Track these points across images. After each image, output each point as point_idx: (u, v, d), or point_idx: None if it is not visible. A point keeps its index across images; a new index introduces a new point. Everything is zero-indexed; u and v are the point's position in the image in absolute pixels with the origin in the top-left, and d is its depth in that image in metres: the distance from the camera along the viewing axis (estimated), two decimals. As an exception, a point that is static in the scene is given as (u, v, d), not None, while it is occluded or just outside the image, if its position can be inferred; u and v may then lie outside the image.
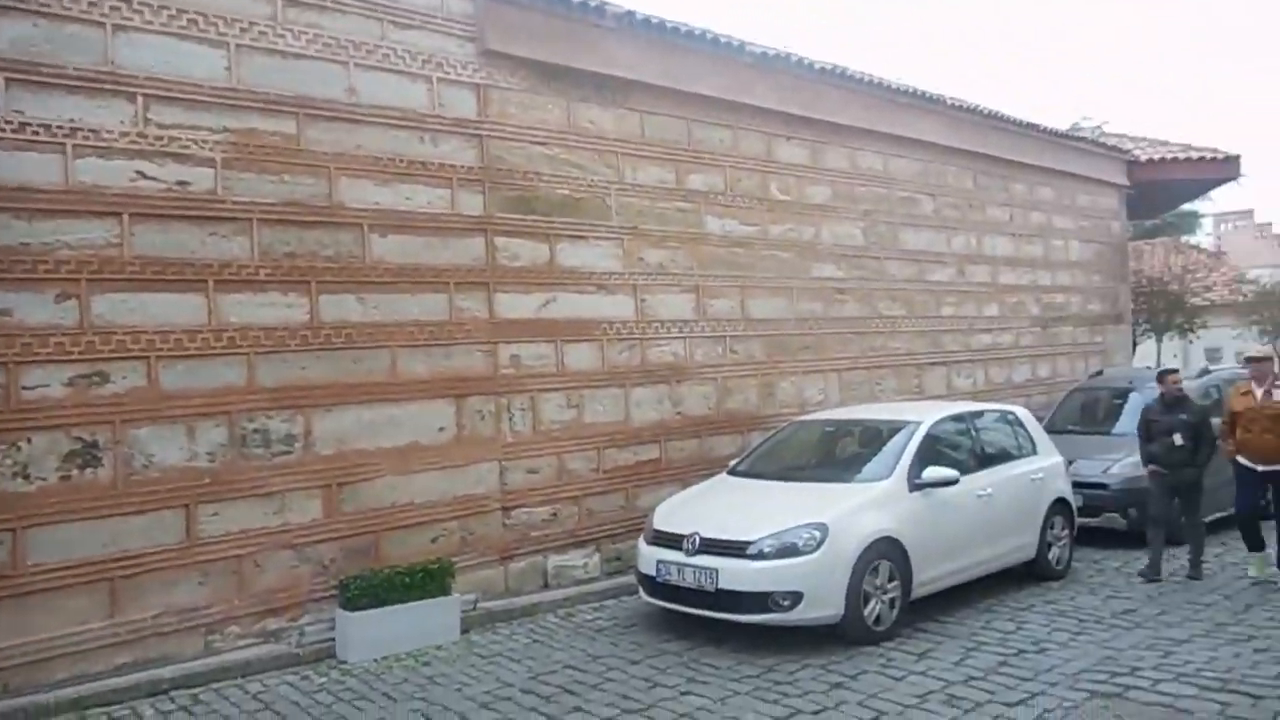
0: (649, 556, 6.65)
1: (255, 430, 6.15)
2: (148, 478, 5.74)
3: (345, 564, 6.46)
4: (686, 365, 8.80)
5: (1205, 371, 11.30)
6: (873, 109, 10.72)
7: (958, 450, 7.40)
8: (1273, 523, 7.75)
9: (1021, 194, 13.20)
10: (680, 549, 6.43)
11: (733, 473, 7.65)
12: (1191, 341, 20.00)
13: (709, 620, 6.29)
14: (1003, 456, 7.69)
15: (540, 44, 7.64)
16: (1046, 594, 7.35)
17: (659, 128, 8.66)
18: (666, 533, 6.65)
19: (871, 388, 10.70)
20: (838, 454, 7.54)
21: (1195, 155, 15.40)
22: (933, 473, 6.80)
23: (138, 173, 5.76)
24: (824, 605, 6.05)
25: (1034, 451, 7.98)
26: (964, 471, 6.99)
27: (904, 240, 11.23)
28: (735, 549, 6.22)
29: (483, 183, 7.37)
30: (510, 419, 7.48)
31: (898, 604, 6.38)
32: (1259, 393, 7.56)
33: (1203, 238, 25.95)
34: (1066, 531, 7.98)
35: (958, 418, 7.67)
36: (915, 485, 6.73)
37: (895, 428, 7.35)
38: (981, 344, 12.35)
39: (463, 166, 7.25)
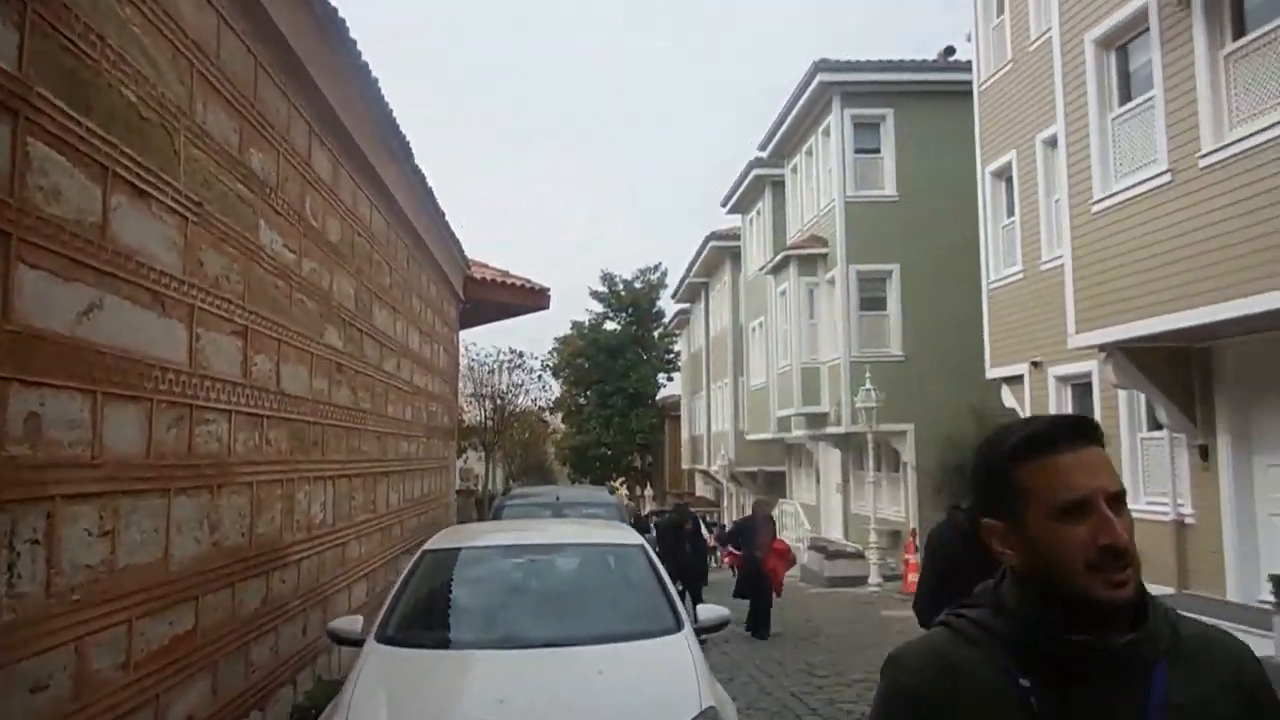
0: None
1: None
2: None
3: None
4: (228, 460, 5.10)
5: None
6: (375, 139, 8.35)
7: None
8: None
9: (425, 287, 11.83)
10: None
11: (391, 642, 4.55)
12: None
13: None
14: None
15: None
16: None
17: (232, 54, 5.12)
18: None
19: (349, 503, 7.90)
20: (559, 596, 5.06)
21: (515, 282, 16.11)
22: (709, 612, 5.05)
23: None
24: None
25: None
26: None
27: (375, 315, 8.84)
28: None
29: (20, 8, 3.17)
30: (14, 564, 3.13)
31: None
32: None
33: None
34: None
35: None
36: (697, 630, 4.89)
37: (614, 554, 5.33)
38: (403, 452, 10.37)
39: (-6, -52, 3.00)
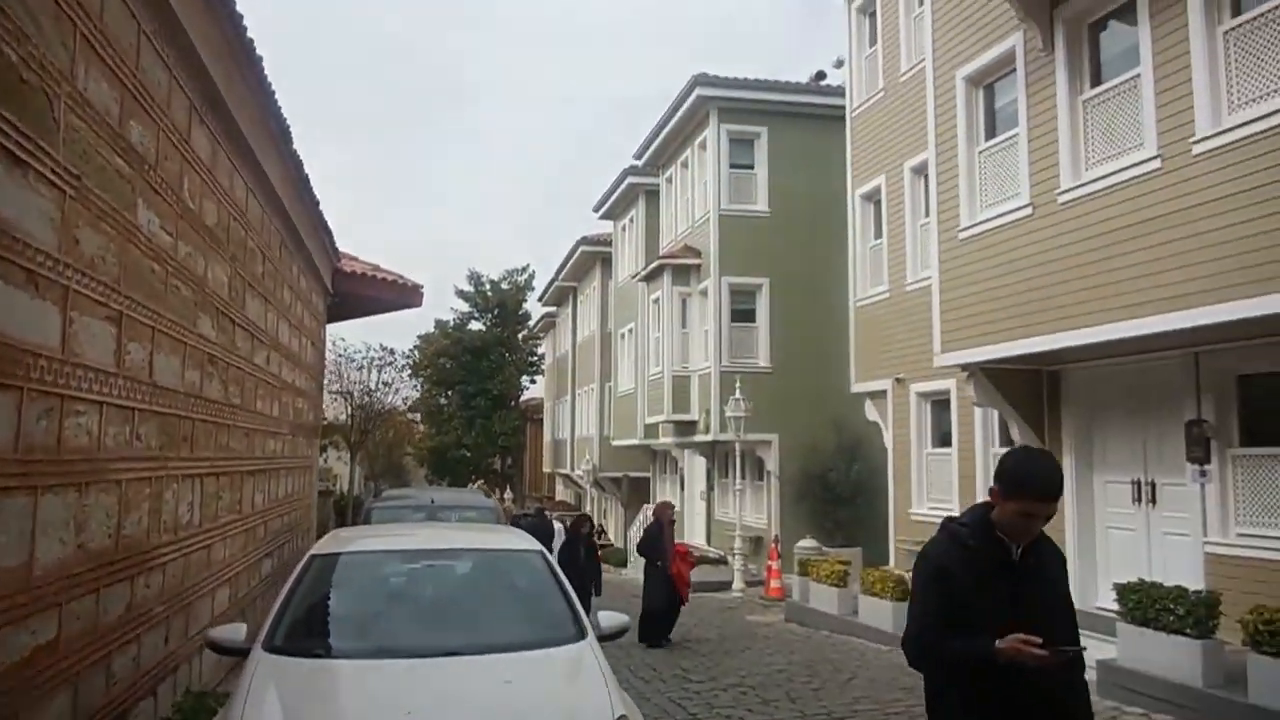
0: None
1: None
2: None
3: None
4: (97, 455, 4.73)
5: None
6: (256, 124, 7.93)
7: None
8: None
9: (295, 278, 11.32)
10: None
11: (281, 651, 4.32)
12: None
13: None
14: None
15: None
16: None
17: (116, 17, 4.76)
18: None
19: (216, 503, 7.45)
20: (458, 603, 4.91)
21: (386, 277, 15.62)
22: (610, 619, 5.03)
23: None
24: None
25: None
26: None
27: (248, 305, 8.39)
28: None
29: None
30: None
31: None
32: None
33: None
34: None
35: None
36: (600, 638, 4.86)
37: (512, 559, 5.25)
38: (269, 450, 9.88)
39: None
